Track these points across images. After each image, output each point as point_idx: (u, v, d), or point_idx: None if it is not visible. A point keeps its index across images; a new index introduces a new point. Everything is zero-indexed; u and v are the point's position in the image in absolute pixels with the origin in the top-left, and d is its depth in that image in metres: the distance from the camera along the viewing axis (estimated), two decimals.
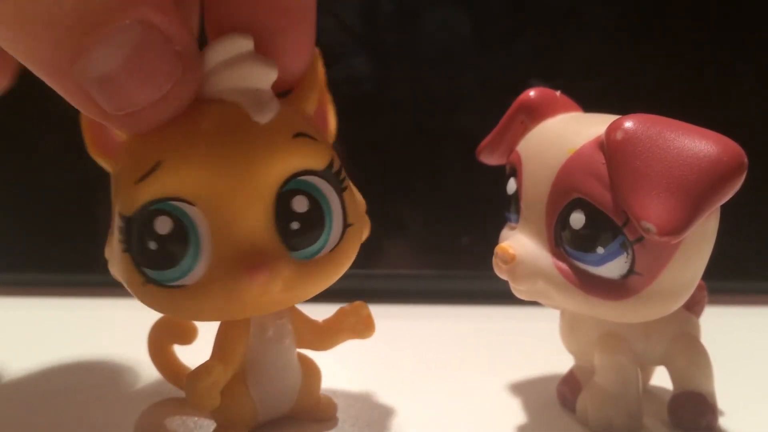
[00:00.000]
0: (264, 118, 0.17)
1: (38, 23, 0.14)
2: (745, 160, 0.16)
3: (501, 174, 0.21)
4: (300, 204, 0.17)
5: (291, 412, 0.21)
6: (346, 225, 0.18)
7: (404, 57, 0.39)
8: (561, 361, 0.23)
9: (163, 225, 0.17)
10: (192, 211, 0.17)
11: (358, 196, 0.20)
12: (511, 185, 0.20)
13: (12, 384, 0.25)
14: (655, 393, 0.24)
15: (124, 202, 0.17)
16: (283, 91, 0.19)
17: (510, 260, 0.19)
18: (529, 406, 0.23)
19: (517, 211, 0.20)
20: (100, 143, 0.19)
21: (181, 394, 0.22)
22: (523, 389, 0.24)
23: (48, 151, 0.40)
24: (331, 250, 0.18)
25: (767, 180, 0.28)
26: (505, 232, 0.21)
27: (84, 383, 0.25)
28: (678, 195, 0.16)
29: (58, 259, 0.39)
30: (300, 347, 0.21)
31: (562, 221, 0.18)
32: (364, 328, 0.21)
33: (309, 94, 0.19)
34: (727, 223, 0.19)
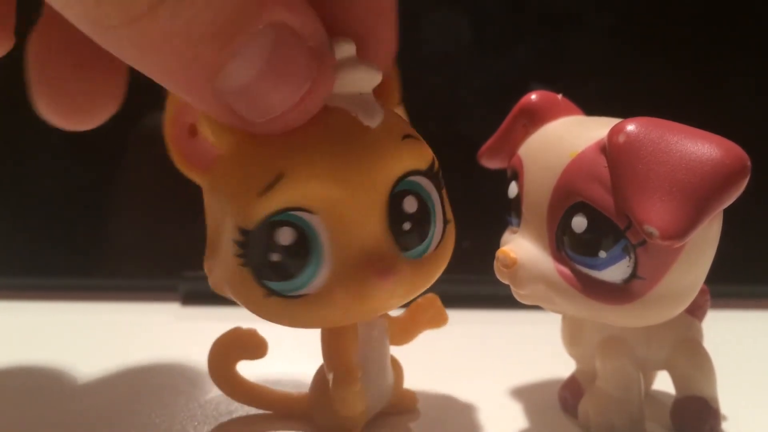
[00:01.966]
0: (375, 122, 0.17)
1: (177, 42, 0.14)
2: (748, 163, 0.16)
3: (502, 177, 0.21)
4: (410, 204, 0.18)
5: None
6: (445, 222, 0.19)
7: (404, 60, 0.39)
8: (563, 366, 0.23)
9: (285, 236, 0.17)
10: (313, 220, 0.17)
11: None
12: (513, 189, 0.20)
13: (11, 387, 0.25)
14: (657, 397, 0.23)
15: (245, 216, 0.17)
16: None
17: (511, 264, 0.19)
18: (530, 410, 0.23)
19: (519, 215, 0.20)
20: (190, 157, 0.19)
21: (247, 409, 0.22)
22: (525, 393, 0.24)
23: (46, 153, 0.40)
24: (435, 248, 0.19)
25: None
26: (507, 236, 0.21)
27: (81, 387, 0.25)
28: (681, 198, 0.16)
29: (55, 263, 0.39)
30: (392, 343, 0.21)
31: (564, 225, 0.18)
32: (439, 318, 0.22)
33: (394, 94, 0.20)
34: (730, 227, 0.18)
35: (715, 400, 0.21)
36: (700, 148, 0.16)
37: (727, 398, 0.21)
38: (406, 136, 0.18)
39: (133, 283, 0.38)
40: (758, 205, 0.34)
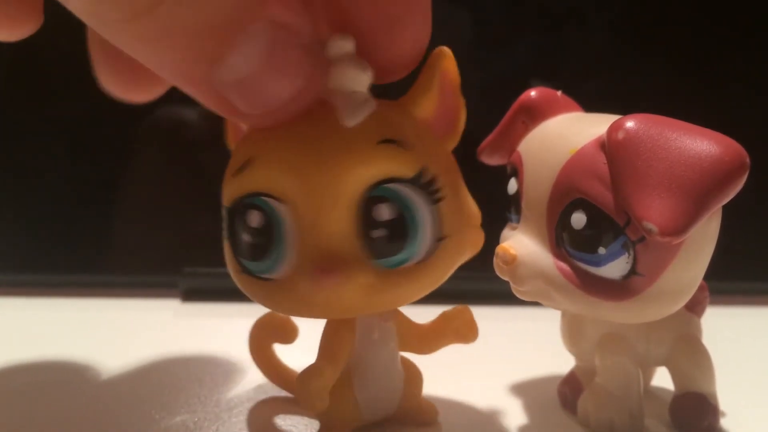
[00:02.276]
0: (351, 121, 0.17)
1: (177, 37, 0.14)
2: (747, 159, 0.16)
3: (502, 174, 0.21)
4: (382, 212, 0.17)
5: (395, 416, 0.21)
6: (439, 237, 0.18)
7: None
8: (562, 362, 0.23)
9: (254, 218, 0.17)
10: (281, 208, 0.17)
11: (472, 208, 0.20)
12: (512, 185, 0.20)
13: (11, 383, 0.25)
14: (656, 394, 0.24)
15: (225, 194, 0.18)
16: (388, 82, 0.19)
17: (511, 261, 0.19)
18: (530, 406, 0.23)
19: (518, 212, 0.20)
20: (236, 136, 0.20)
21: (247, 405, 0.23)
22: (524, 390, 0.24)
23: (46, 150, 0.40)
24: (419, 262, 0.18)
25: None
26: (506, 233, 0.21)
27: (82, 383, 0.25)
28: (680, 195, 0.16)
29: (55, 259, 0.39)
30: (403, 350, 0.21)
31: (563, 221, 0.18)
32: (468, 331, 0.21)
33: (422, 96, 0.19)
34: (729, 223, 0.18)
35: (714, 396, 0.21)
36: (699, 144, 0.16)
37: (726, 394, 0.21)
38: (386, 141, 0.17)
39: (134, 280, 0.38)
40: (757, 201, 0.34)
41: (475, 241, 0.20)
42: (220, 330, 0.31)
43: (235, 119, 0.17)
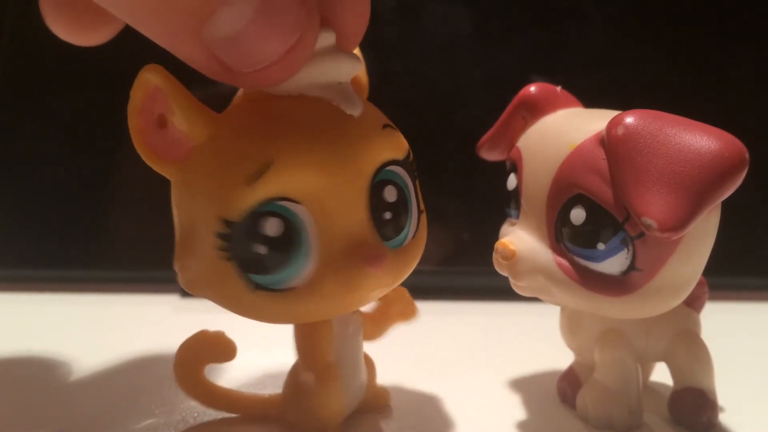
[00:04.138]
0: (357, 111, 0.17)
1: None
2: (747, 155, 0.16)
3: (501, 170, 0.21)
4: (390, 193, 0.18)
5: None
6: (419, 212, 0.19)
7: (404, 52, 0.39)
8: (561, 357, 0.23)
9: (272, 227, 0.16)
10: (299, 210, 0.16)
11: None
12: (512, 181, 0.20)
13: (10, 378, 0.25)
14: (655, 389, 0.24)
15: (230, 206, 0.16)
16: None
17: (510, 256, 0.19)
18: (529, 402, 0.23)
19: (518, 207, 0.20)
20: (158, 149, 0.17)
21: (215, 414, 0.22)
22: (523, 385, 0.24)
23: (45, 145, 0.40)
24: (413, 238, 0.19)
25: None
26: (506, 228, 0.21)
27: (80, 379, 0.25)
28: (679, 191, 0.16)
29: (54, 255, 0.39)
30: (365, 338, 0.21)
31: (563, 217, 0.18)
32: (409, 311, 0.22)
33: (364, 87, 0.20)
34: (728, 219, 0.18)
35: (713, 391, 0.21)
36: (698, 140, 0.16)
37: (725, 390, 0.21)
38: (386, 126, 0.18)
39: (132, 275, 0.38)
40: (756, 196, 0.34)
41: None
42: (218, 325, 0.31)
43: (227, 80, 0.16)
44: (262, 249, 0.16)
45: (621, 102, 0.19)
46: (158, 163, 0.17)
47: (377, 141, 0.17)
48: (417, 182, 0.19)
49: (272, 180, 0.16)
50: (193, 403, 0.22)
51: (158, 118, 0.17)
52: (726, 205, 0.18)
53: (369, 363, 0.21)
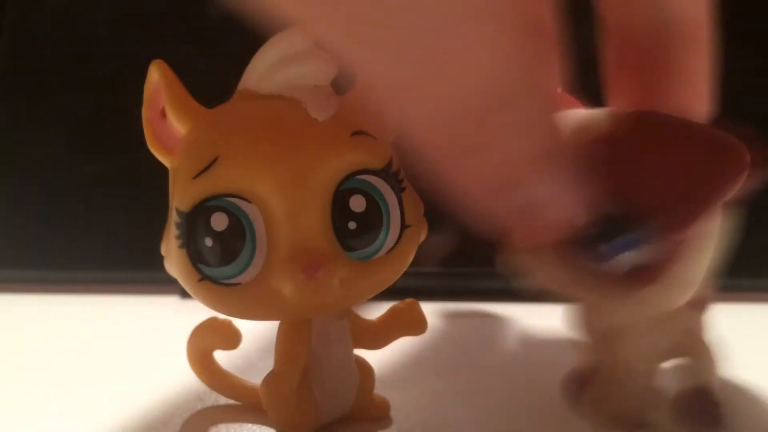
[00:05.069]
0: (322, 115, 0.17)
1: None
2: (748, 157, 0.16)
3: None
4: (358, 203, 0.17)
5: (349, 413, 0.21)
6: (404, 226, 0.18)
7: None
8: (567, 356, 0.23)
9: (219, 221, 0.17)
10: (249, 209, 0.17)
11: (416, 198, 0.20)
12: None
13: (9, 379, 0.25)
14: (661, 388, 0.23)
15: (182, 198, 0.17)
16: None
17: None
18: (535, 401, 0.23)
19: None
20: (160, 139, 0.19)
21: (223, 400, 0.22)
22: (529, 384, 0.24)
23: (47, 145, 0.40)
24: (388, 252, 0.18)
25: None
26: None
27: (80, 380, 0.25)
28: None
29: (54, 256, 0.39)
30: (357, 347, 0.21)
31: None
32: (417, 324, 0.21)
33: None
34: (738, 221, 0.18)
35: (719, 390, 0.21)
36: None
37: (731, 389, 0.21)
38: (358, 133, 0.17)
39: (133, 276, 0.38)
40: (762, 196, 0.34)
41: (424, 227, 0.20)
42: None
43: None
44: (208, 242, 0.17)
45: None
46: (158, 151, 0.19)
47: (342, 147, 0.17)
48: (404, 194, 0.18)
49: (217, 175, 0.16)
50: (191, 403, 0.22)
51: (162, 109, 0.18)
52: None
53: (365, 371, 0.21)
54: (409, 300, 0.21)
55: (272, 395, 0.19)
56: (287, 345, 0.19)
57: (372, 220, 0.17)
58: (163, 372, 0.25)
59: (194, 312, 0.34)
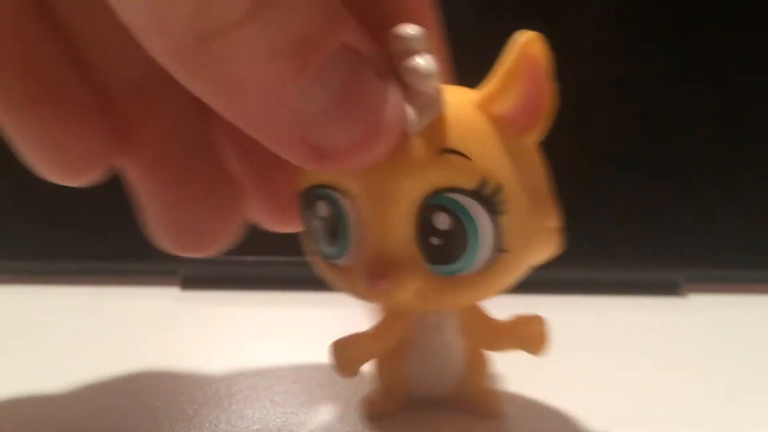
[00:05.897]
0: (415, 129, 0.16)
1: (262, 55, 0.13)
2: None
3: None
4: (441, 221, 0.17)
5: (453, 399, 0.21)
6: (499, 250, 0.17)
7: None
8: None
9: (322, 208, 0.18)
10: (345, 202, 0.17)
11: (549, 210, 0.18)
12: None
13: (8, 371, 0.25)
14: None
15: (300, 180, 0.18)
16: None
17: None
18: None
19: None
20: None
21: (223, 391, 0.23)
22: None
23: None
24: (477, 273, 0.17)
25: (764, 170, 0.28)
26: None
27: (80, 371, 0.25)
28: None
29: (53, 246, 0.39)
30: (470, 340, 0.21)
31: None
32: (533, 342, 0.19)
33: (502, 91, 0.18)
34: (735, 213, 0.18)
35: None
36: None
37: (726, 385, 0.21)
38: (448, 150, 0.17)
39: (132, 267, 0.38)
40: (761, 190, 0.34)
41: (549, 245, 0.19)
42: (220, 318, 0.31)
43: (302, 162, 0.16)
44: (315, 223, 0.18)
45: (619, 98, 0.19)
46: None
47: (428, 164, 0.16)
48: (504, 218, 0.17)
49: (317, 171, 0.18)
50: (193, 395, 0.22)
51: None
52: (735, 199, 0.18)
53: (477, 362, 0.21)
54: (534, 315, 0.20)
55: (335, 356, 0.20)
56: (381, 321, 0.20)
57: (456, 240, 0.17)
58: (163, 362, 0.25)
59: (194, 303, 0.35)
